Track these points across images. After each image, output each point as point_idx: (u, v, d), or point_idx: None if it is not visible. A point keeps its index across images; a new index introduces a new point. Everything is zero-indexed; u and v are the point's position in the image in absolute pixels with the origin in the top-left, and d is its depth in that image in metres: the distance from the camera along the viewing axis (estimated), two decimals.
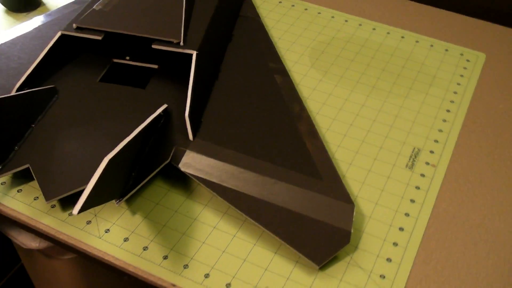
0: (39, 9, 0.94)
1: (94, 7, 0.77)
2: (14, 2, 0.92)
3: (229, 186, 0.64)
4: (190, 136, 0.68)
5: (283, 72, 0.79)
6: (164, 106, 0.69)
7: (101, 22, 0.75)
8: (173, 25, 0.75)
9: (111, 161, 0.53)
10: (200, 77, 0.71)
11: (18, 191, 0.66)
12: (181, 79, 0.76)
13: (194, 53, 0.72)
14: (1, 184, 0.66)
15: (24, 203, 0.64)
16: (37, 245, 0.95)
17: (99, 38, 0.74)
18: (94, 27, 0.74)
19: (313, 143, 0.69)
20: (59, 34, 0.74)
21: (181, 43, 0.73)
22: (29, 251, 1.07)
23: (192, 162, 0.66)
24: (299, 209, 0.62)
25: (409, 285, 0.58)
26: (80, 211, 0.49)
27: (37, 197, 0.65)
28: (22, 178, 0.67)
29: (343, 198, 0.63)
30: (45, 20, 0.87)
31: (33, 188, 0.66)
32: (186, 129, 0.68)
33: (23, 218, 0.63)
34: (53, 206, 0.64)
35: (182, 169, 0.65)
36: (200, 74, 0.71)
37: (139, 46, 0.79)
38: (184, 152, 0.66)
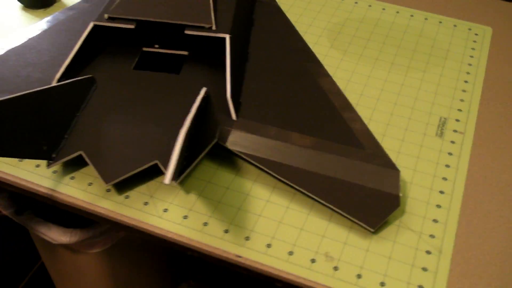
0: (55, 4, 0.95)
1: None
2: None
3: (277, 160, 0.66)
4: (233, 116, 0.70)
5: (308, 52, 0.82)
6: (204, 89, 0.71)
7: (132, 11, 0.76)
8: (203, 10, 0.77)
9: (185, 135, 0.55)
10: (234, 59, 0.74)
11: (71, 178, 0.67)
12: (213, 62, 0.78)
13: (227, 37, 0.74)
14: (53, 173, 0.68)
15: (79, 189, 0.66)
16: (68, 240, 0.96)
17: (132, 27, 0.76)
18: (125, 16, 0.76)
19: (349, 116, 0.72)
20: (91, 25, 0.76)
21: (213, 28, 0.75)
22: (53, 248, 1.08)
23: (238, 140, 0.68)
24: (348, 177, 0.65)
25: (457, 242, 0.62)
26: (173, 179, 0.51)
27: (91, 183, 0.67)
28: (72, 166, 0.68)
29: (388, 165, 0.66)
30: (67, 15, 0.88)
31: (85, 174, 0.68)
32: (228, 109, 0.70)
33: (80, 203, 0.65)
34: (108, 190, 0.66)
35: (230, 147, 0.68)
36: (234, 57, 0.74)
37: (169, 33, 0.81)
38: (230, 131, 0.69)
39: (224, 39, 0.74)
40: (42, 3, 0.93)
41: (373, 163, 0.66)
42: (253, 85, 0.75)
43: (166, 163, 0.65)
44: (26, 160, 0.69)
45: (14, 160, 0.69)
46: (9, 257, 1.37)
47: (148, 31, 0.80)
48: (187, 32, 0.75)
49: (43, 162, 0.69)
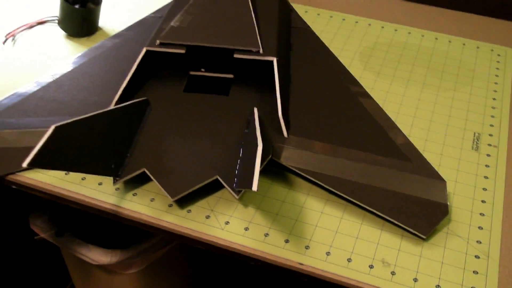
0: (97, 33, 1.00)
1: (172, 24, 0.83)
2: (75, 28, 0.97)
3: (329, 173, 0.71)
4: (285, 133, 0.75)
5: (347, 74, 0.87)
6: (256, 109, 0.75)
7: (182, 37, 0.81)
8: (249, 34, 0.82)
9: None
10: (282, 80, 0.78)
11: (133, 195, 0.71)
12: (259, 84, 0.82)
13: (275, 60, 0.79)
14: (116, 190, 0.71)
15: (142, 205, 0.69)
16: (109, 260, 0.99)
17: (183, 51, 0.80)
18: (176, 41, 0.81)
19: (392, 132, 0.76)
20: (144, 50, 0.80)
21: (261, 51, 0.80)
22: (88, 269, 1.11)
23: (292, 156, 0.72)
24: (397, 188, 0.69)
25: (503, 246, 0.66)
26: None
27: (153, 198, 0.70)
28: (134, 183, 0.72)
29: (434, 176, 0.70)
30: (113, 42, 0.92)
31: (146, 191, 0.71)
32: (279, 127, 0.75)
33: (144, 218, 0.68)
34: (170, 205, 0.69)
35: (284, 162, 0.72)
36: (281, 78, 0.78)
37: (216, 57, 0.85)
38: (283, 148, 0.73)
39: (271, 62, 0.79)
40: (86, 32, 0.98)
41: (420, 174, 0.70)
42: (299, 104, 0.80)
43: (225, 178, 0.69)
44: (89, 178, 0.73)
45: (77, 179, 0.72)
46: (39, 279, 1.39)
47: (197, 55, 0.85)
48: (236, 55, 0.79)
49: (105, 180, 0.72)
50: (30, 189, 0.73)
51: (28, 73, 0.89)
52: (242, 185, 0.64)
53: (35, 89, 0.83)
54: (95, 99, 0.80)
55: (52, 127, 0.60)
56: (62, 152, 0.61)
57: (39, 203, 1.05)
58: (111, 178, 0.71)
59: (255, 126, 0.68)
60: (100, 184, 0.72)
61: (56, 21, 1.00)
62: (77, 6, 0.96)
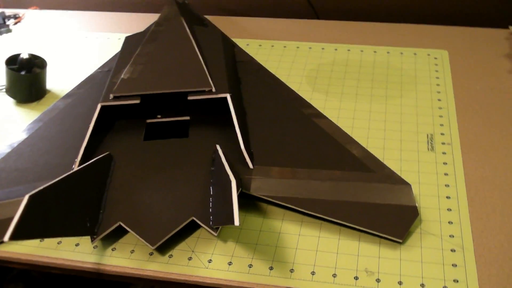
0: (46, 96, 1.00)
1: (122, 76, 0.85)
2: (24, 94, 0.97)
3: (300, 196, 0.73)
4: (250, 165, 0.77)
5: (299, 99, 0.90)
6: (218, 146, 0.77)
7: (135, 87, 0.83)
8: (199, 75, 0.84)
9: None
10: (238, 115, 0.80)
11: (112, 250, 0.71)
12: (216, 121, 0.84)
13: (228, 96, 0.81)
14: (94, 248, 0.71)
15: (123, 258, 0.70)
16: None
17: (138, 101, 0.81)
18: (130, 93, 0.82)
19: (352, 147, 0.80)
20: (99, 106, 0.81)
21: (213, 90, 0.82)
22: None
23: (261, 186, 0.74)
24: (367, 199, 0.72)
25: (474, 236, 0.69)
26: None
27: (133, 250, 0.71)
28: (111, 238, 0.72)
29: (399, 182, 0.74)
30: (66, 102, 0.93)
31: (124, 244, 0.72)
32: (245, 160, 0.77)
33: (127, 271, 0.69)
34: (151, 254, 0.70)
35: (254, 193, 0.73)
36: (237, 113, 0.80)
37: (170, 102, 0.87)
38: (251, 179, 0.75)
39: (225, 98, 0.81)
40: (35, 97, 0.98)
41: (386, 182, 0.73)
42: (258, 135, 0.82)
43: (201, 218, 0.70)
44: (65, 242, 0.72)
45: (53, 244, 0.72)
46: None
47: (152, 102, 0.86)
48: (190, 97, 0.81)
49: (81, 240, 0.72)
50: (6, 262, 0.72)
51: None
52: (222, 221, 0.66)
53: None
54: (57, 162, 0.80)
55: (26, 197, 0.60)
56: (40, 220, 0.61)
57: (12, 274, 1.03)
58: (88, 237, 0.71)
59: (222, 162, 0.69)
60: (77, 245, 0.72)
61: (3, 90, 0.99)
62: (23, 73, 0.96)
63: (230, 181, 0.62)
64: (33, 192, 0.61)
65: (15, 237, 0.57)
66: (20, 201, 0.71)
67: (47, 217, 0.62)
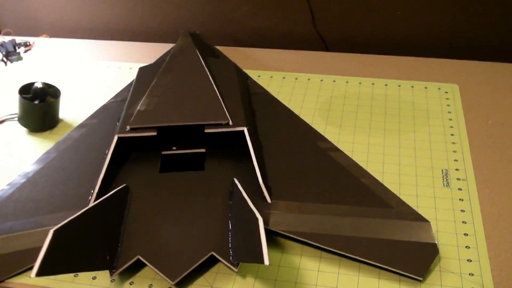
0: (59, 125, 1.00)
1: (138, 108, 0.85)
2: (37, 123, 0.97)
3: (319, 232, 0.73)
4: (268, 199, 0.77)
5: (313, 132, 0.90)
6: (236, 180, 0.77)
7: (152, 119, 0.83)
8: (216, 108, 0.84)
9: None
10: (255, 147, 0.81)
11: (130, 284, 0.70)
12: (232, 154, 0.84)
13: (245, 129, 0.81)
14: (111, 281, 0.71)
15: None
16: None
17: (154, 133, 0.81)
18: (146, 125, 0.82)
19: (369, 182, 0.80)
20: (116, 137, 0.81)
21: (230, 123, 0.82)
22: None
23: (279, 221, 0.74)
24: (386, 236, 0.72)
25: (494, 274, 0.69)
26: None
27: (151, 284, 0.70)
28: (129, 271, 0.71)
29: (418, 219, 0.74)
30: (80, 132, 0.93)
31: (142, 278, 0.71)
32: (262, 194, 0.77)
33: None
34: None
35: (273, 228, 0.73)
36: (254, 146, 0.80)
37: (186, 134, 0.87)
38: (269, 213, 0.75)
39: (242, 131, 0.81)
40: (48, 126, 0.98)
41: (405, 219, 0.73)
42: (274, 168, 0.82)
43: (220, 252, 0.70)
44: (82, 275, 0.72)
45: (69, 277, 0.71)
46: None
47: (168, 134, 0.86)
48: (207, 130, 0.81)
49: (98, 274, 0.72)
50: None
51: None
52: (248, 259, 0.65)
53: (10, 191, 0.82)
54: (73, 192, 0.80)
55: (51, 232, 0.59)
56: (64, 254, 0.60)
57: None
58: (105, 271, 0.70)
59: (243, 198, 0.69)
60: (94, 278, 0.71)
61: (16, 119, 0.99)
62: (36, 102, 0.96)
63: (256, 219, 0.62)
64: (57, 226, 0.60)
65: (41, 273, 0.56)
66: (37, 233, 0.72)
67: (70, 252, 0.62)
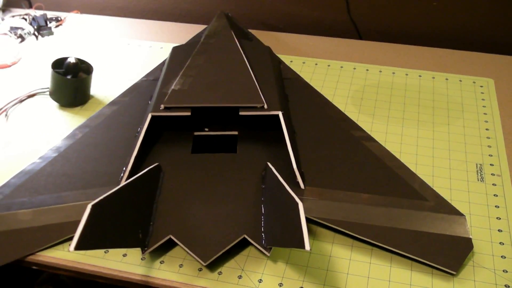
0: (90, 101, 0.99)
1: (172, 87, 0.84)
2: (68, 98, 0.97)
3: (352, 220, 0.72)
4: (302, 185, 0.76)
5: (348, 120, 0.89)
6: (270, 165, 0.76)
7: (186, 99, 0.82)
8: (251, 91, 0.83)
9: None
10: (289, 133, 0.80)
11: (161, 263, 0.70)
12: (265, 138, 0.84)
13: (280, 114, 0.80)
14: (142, 260, 0.71)
15: (172, 272, 0.69)
16: None
17: (188, 113, 0.81)
18: (180, 104, 0.81)
19: (404, 173, 0.79)
20: (149, 116, 0.80)
21: (265, 106, 0.81)
22: None
23: (312, 207, 0.73)
24: (420, 228, 0.71)
25: None
26: None
27: (182, 264, 0.70)
28: (159, 250, 0.71)
29: (453, 212, 0.72)
30: (112, 109, 0.92)
31: (173, 257, 0.71)
32: (296, 179, 0.76)
33: (176, 285, 0.68)
34: (200, 269, 0.69)
35: (307, 215, 0.72)
36: (288, 131, 0.80)
37: (220, 116, 0.86)
38: (302, 199, 0.73)
39: (277, 116, 0.80)
40: (79, 102, 0.98)
41: (440, 212, 0.72)
42: (308, 154, 0.81)
43: (252, 236, 0.69)
44: (112, 251, 0.72)
45: (100, 253, 0.71)
46: None
47: (202, 115, 0.85)
48: (242, 113, 0.80)
49: (129, 251, 0.72)
50: (53, 268, 0.71)
51: (28, 149, 0.88)
52: (287, 244, 0.65)
53: (42, 165, 0.82)
54: (105, 170, 0.80)
55: (89, 206, 0.59)
56: (100, 230, 0.60)
57: (42, 277, 1.03)
58: (135, 249, 0.70)
59: (280, 182, 0.68)
60: (124, 255, 0.71)
61: (47, 93, 0.99)
62: (69, 77, 0.96)
63: (296, 203, 0.61)
64: (95, 201, 0.60)
65: (79, 247, 0.56)
66: (68, 208, 0.72)
67: (105, 227, 0.62)
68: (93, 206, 0.59)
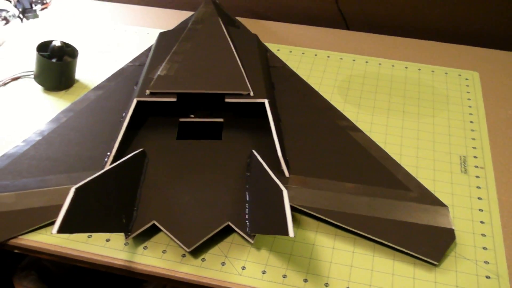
0: (75, 85, 0.98)
1: (158, 73, 0.83)
2: (53, 82, 0.96)
3: (336, 209, 0.72)
4: (286, 173, 0.76)
5: (334, 110, 0.89)
6: (254, 152, 0.76)
7: (172, 85, 0.81)
8: (237, 78, 0.83)
9: None
10: (275, 121, 0.80)
11: (144, 248, 0.70)
12: (250, 126, 0.83)
13: (266, 101, 0.80)
14: (125, 245, 0.70)
15: (155, 257, 0.69)
16: None
17: (174, 99, 0.80)
18: (166, 90, 0.81)
19: (388, 163, 0.79)
20: (135, 101, 0.80)
21: (251, 94, 0.81)
22: None
23: (296, 195, 0.74)
24: (403, 218, 0.71)
25: (509, 264, 0.69)
26: None
27: (165, 250, 0.70)
28: (143, 236, 0.71)
29: (436, 203, 0.73)
30: (96, 94, 0.92)
31: (156, 243, 0.71)
32: (280, 167, 0.76)
33: (159, 271, 0.68)
34: (183, 256, 0.69)
35: (291, 203, 0.72)
36: (274, 118, 0.79)
37: (206, 102, 0.86)
38: (286, 188, 0.74)
39: (263, 103, 0.80)
40: (64, 85, 0.97)
41: (423, 202, 0.73)
42: (293, 143, 0.81)
43: (236, 223, 0.69)
44: (95, 236, 0.71)
45: (83, 237, 0.71)
46: None
47: (187, 102, 0.85)
48: (228, 100, 0.80)
49: (112, 236, 0.71)
50: (35, 252, 0.71)
51: (11, 132, 0.87)
52: (271, 231, 0.65)
53: (25, 148, 0.81)
54: (89, 154, 0.79)
55: (73, 190, 0.59)
56: (83, 213, 0.60)
57: (25, 262, 1.02)
58: (118, 234, 0.70)
59: (265, 170, 0.68)
60: (107, 240, 0.71)
61: (31, 76, 0.98)
62: (54, 60, 0.94)
63: (281, 191, 0.61)
64: (79, 185, 0.60)
65: (62, 230, 0.56)
66: (51, 191, 0.71)
67: (89, 211, 0.61)
68: (76, 189, 0.59)
